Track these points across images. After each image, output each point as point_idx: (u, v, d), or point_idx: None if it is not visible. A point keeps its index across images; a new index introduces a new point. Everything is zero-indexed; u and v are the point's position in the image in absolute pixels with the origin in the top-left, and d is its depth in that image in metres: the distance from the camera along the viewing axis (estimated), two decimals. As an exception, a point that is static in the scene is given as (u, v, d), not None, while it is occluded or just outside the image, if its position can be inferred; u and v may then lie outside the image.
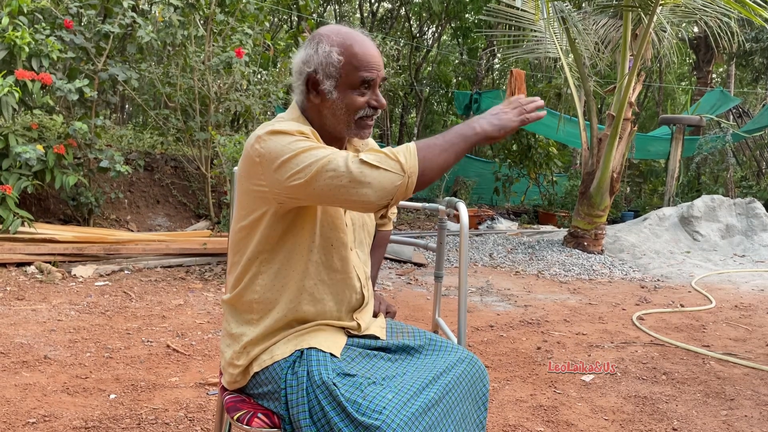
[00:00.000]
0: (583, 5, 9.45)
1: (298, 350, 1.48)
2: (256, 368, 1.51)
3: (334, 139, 1.57)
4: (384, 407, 1.33)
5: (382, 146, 1.48)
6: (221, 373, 1.73)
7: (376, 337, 1.63)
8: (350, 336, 1.60)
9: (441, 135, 1.44)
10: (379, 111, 1.55)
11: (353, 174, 1.32)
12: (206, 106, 6.75)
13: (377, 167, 1.33)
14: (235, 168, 2.02)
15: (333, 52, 1.49)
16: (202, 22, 6.73)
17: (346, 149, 1.64)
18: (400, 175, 1.34)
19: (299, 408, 1.39)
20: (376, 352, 1.58)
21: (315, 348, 1.48)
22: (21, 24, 5.38)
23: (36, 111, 6.28)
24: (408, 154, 1.37)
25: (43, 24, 5.63)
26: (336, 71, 1.49)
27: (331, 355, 1.48)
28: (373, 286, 1.85)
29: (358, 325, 1.60)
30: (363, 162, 1.33)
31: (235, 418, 1.50)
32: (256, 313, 1.53)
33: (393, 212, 1.98)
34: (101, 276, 5.05)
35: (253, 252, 1.52)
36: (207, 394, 2.86)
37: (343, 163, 1.34)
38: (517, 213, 12.30)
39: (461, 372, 1.54)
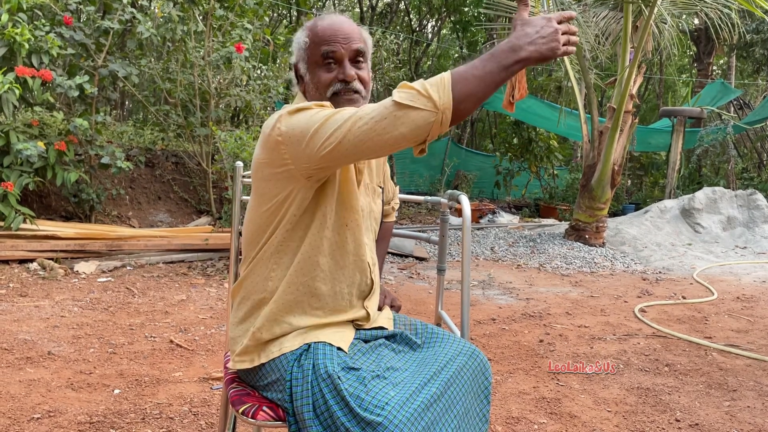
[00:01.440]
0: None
1: (306, 344, 1.49)
2: (264, 359, 1.52)
3: None
4: (387, 403, 1.33)
5: None
6: (225, 365, 1.74)
7: (383, 329, 1.64)
8: (358, 328, 1.60)
9: (480, 61, 1.29)
10: (356, 84, 1.52)
11: (386, 117, 1.28)
12: (206, 101, 6.74)
13: (409, 106, 1.27)
14: (238, 163, 2.02)
15: (302, 36, 1.55)
16: (201, 17, 6.72)
17: None
18: (433, 113, 1.27)
19: (303, 401, 1.40)
20: (381, 341, 1.59)
21: (323, 342, 1.48)
22: (21, 21, 5.38)
23: (36, 108, 6.28)
24: (441, 88, 1.27)
25: (43, 20, 5.63)
26: (305, 53, 1.54)
27: (338, 348, 1.48)
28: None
29: (367, 314, 1.61)
30: (395, 103, 1.28)
31: (240, 411, 1.50)
32: (270, 292, 1.53)
33: (395, 203, 1.98)
34: (104, 272, 5.05)
35: (273, 232, 1.52)
36: (211, 388, 2.87)
37: (375, 109, 1.30)
38: (518, 206, 12.30)
39: (463, 365, 1.53)
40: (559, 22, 1.30)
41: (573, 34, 1.31)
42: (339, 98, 1.52)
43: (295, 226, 1.51)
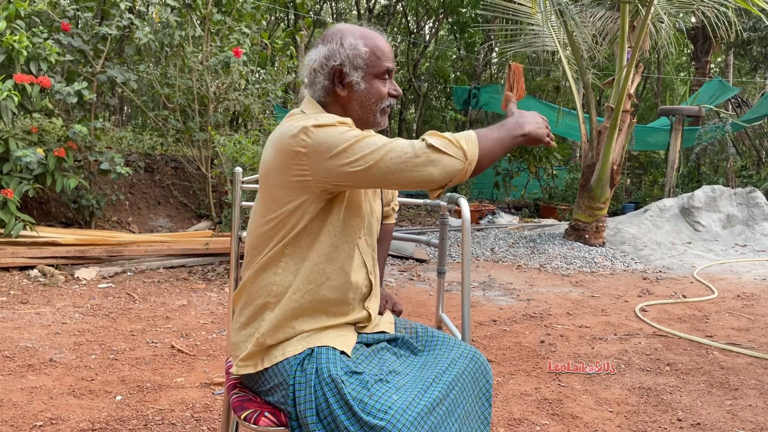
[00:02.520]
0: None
1: (309, 348, 1.49)
2: (267, 364, 1.52)
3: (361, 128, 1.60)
4: (390, 407, 1.34)
5: None
6: (227, 371, 1.74)
7: (385, 333, 1.65)
8: (360, 332, 1.61)
9: (494, 128, 1.52)
10: (395, 100, 1.62)
11: (419, 156, 1.40)
12: (205, 106, 6.75)
13: (443, 152, 1.41)
14: (237, 168, 2.02)
15: (359, 45, 1.56)
16: (199, 22, 6.73)
17: None
18: (462, 162, 1.42)
19: (306, 405, 1.40)
20: (383, 344, 1.60)
21: (326, 345, 1.49)
22: (18, 28, 5.38)
23: (35, 114, 6.28)
24: (470, 142, 1.44)
25: (41, 27, 5.63)
26: (363, 62, 1.56)
27: (342, 352, 1.49)
28: (381, 281, 1.86)
29: (369, 315, 1.62)
30: (430, 146, 1.40)
31: (242, 417, 1.50)
32: (274, 297, 1.53)
33: (395, 205, 1.99)
34: (104, 278, 5.06)
35: (281, 239, 1.52)
36: (213, 393, 2.87)
37: (409, 146, 1.41)
38: (517, 207, 12.30)
39: (464, 368, 1.54)
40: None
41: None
42: (385, 110, 1.62)
43: (303, 233, 1.52)
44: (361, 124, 1.60)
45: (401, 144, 1.41)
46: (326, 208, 1.52)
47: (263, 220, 1.55)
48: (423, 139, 1.42)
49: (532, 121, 1.55)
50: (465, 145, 1.43)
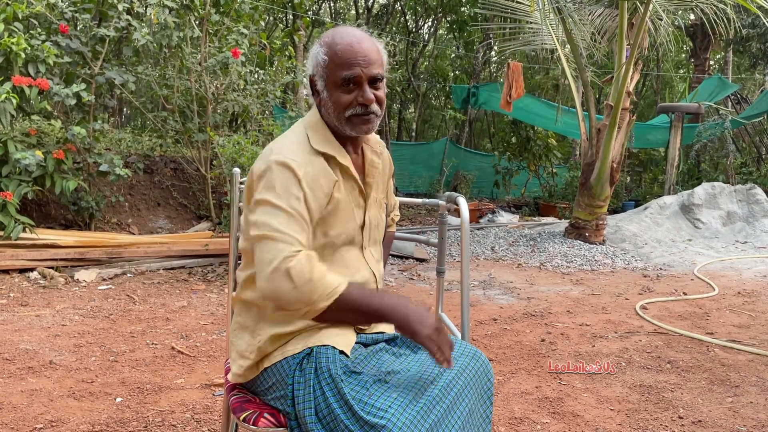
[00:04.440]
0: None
1: (308, 347, 1.49)
2: (266, 363, 1.52)
3: (346, 138, 1.59)
4: (389, 406, 1.34)
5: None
6: (227, 372, 1.73)
7: (383, 333, 1.65)
8: (359, 332, 1.61)
9: (376, 298, 1.44)
10: (374, 106, 1.52)
11: (274, 267, 1.36)
12: (204, 107, 6.74)
13: (292, 280, 1.35)
14: (236, 169, 2.02)
15: (320, 53, 1.52)
16: (197, 23, 6.72)
17: (362, 150, 1.66)
18: (305, 303, 1.37)
19: (305, 404, 1.40)
20: (382, 345, 1.59)
21: (325, 345, 1.48)
22: (16, 30, 5.38)
23: (34, 117, 6.28)
24: (325, 291, 1.37)
25: (39, 29, 5.63)
26: (323, 70, 1.52)
27: (341, 352, 1.49)
28: None
29: None
30: (287, 270, 1.35)
31: (242, 418, 1.50)
32: (269, 311, 1.53)
33: (396, 215, 1.99)
34: (104, 280, 5.05)
35: None
36: (213, 395, 2.86)
37: (280, 253, 1.36)
38: (517, 205, 12.30)
39: (465, 367, 1.54)
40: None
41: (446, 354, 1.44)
42: (356, 119, 1.53)
43: None
44: (339, 133, 1.57)
45: (284, 247, 1.37)
46: (318, 223, 1.51)
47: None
48: (298, 255, 1.37)
49: (416, 315, 1.42)
50: (320, 291, 1.36)
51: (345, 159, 1.56)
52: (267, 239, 1.38)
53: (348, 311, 1.41)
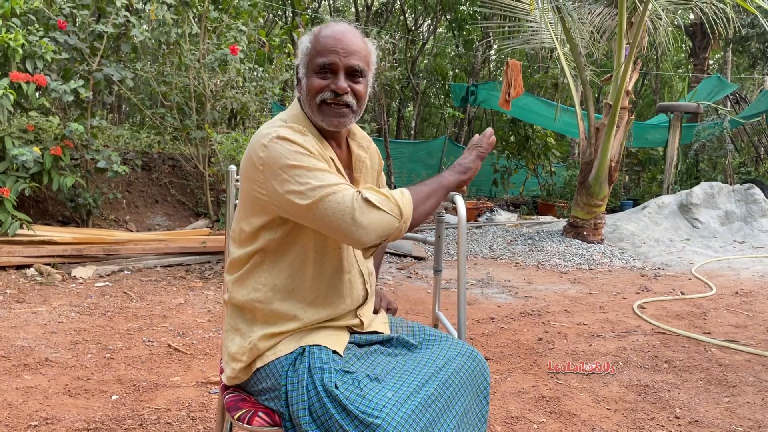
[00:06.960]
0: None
1: (300, 347, 1.48)
2: (258, 364, 1.51)
3: (327, 133, 1.56)
4: (384, 405, 1.33)
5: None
6: (222, 371, 1.73)
7: (378, 333, 1.64)
8: (353, 333, 1.60)
9: (426, 183, 1.55)
10: (348, 98, 1.51)
11: (355, 212, 1.36)
12: (202, 104, 6.73)
13: (378, 208, 1.38)
14: (231, 166, 2.01)
15: (306, 40, 1.54)
16: (195, 19, 6.70)
17: (348, 145, 1.64)
18: (397, 219, 1.40)
19: (299, 405, 1.39)
20: (377, 347, 1.58)
21: (318, 345, 1.48)
22: (14, 26, 5.36)
23: (32, 113, 6.26)
24: (404, 200, 1.43)
25: (37, 25, 5.61)
26: (305, 57, 1.54)
27: (334, 352, 1.48)
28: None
29: (361, 321, 1.61)
30: (366, 201, 1.37)
31: (236, 417, 1.49)
32: (260, 313, 1.53)
33: None
34: (101, 277, 5.04)
35: (256, 254, 1.52)
36: (209, 392, 2.86)
37: (350, 199, 1.37)
38: (516, 204, 12.30)
39: (461, 366, 1.53)
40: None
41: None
42: (327, 108, 1.51)
43: (278, 249, 1.52)
44: (316, 125, 1.55)
45: (344, 193, 1.38)
46: (302, 226, 1.48)
47: (238, 227, 1.56)
48: (359, 192, 1.39)
49: (457, 166, 1.64)
50: (401, 202, 1.42)
51: (329, 152, 1.55)
52: (325, 198, 1.37)
53: (425, 200, 1.51)
